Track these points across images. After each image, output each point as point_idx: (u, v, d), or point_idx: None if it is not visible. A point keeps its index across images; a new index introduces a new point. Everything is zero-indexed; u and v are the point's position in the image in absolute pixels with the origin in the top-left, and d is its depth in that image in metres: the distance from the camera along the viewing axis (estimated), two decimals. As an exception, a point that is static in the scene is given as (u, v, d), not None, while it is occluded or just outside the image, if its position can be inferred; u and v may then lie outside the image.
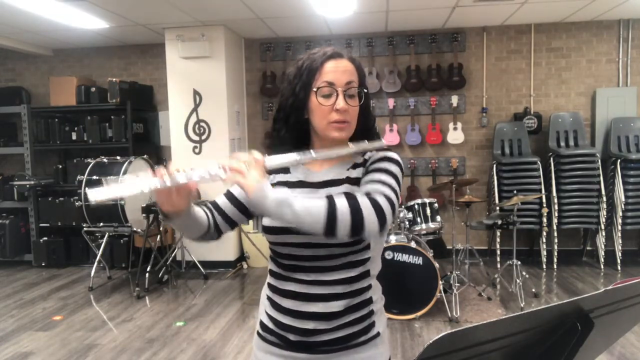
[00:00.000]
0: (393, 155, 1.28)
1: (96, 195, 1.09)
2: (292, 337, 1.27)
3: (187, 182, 1.14)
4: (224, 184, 1.18)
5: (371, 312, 1.30)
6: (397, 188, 1.20)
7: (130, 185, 1.11)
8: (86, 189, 1.07)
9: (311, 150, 1.20)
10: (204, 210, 1.32)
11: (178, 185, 1.14)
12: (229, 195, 1.36)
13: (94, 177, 4.94)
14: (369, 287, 1.30)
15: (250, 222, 2.94)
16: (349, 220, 1.08)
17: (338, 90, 1.23)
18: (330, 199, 1.11)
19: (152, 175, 1.13)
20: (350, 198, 1.11)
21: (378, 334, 1.31)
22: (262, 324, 1.35)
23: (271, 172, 1.32)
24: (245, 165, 1.13)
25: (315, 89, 1.23)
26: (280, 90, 1.32)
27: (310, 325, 1.24)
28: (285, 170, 1.33)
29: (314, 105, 1.25)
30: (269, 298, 1.33)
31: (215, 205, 1.36)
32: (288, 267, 1.28)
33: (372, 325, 1.30)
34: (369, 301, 1.30)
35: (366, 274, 1.29)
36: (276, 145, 1.31)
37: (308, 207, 1.09)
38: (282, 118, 1.30)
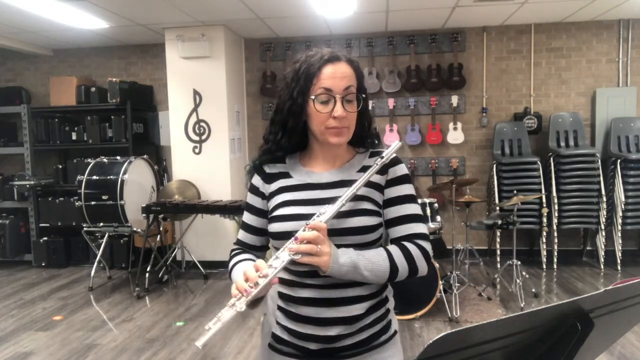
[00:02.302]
0: (405, 170, 1.32)
1: (203, 341, 1.10)
2: (313, 346, 1.23)
3: (272, 281, 1.13)
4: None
5: (387, 311, 1.31)
6: (421, 210, 1.32)
7: (227, 315, 1.10)
8: (195, 343, 1.11)
9: (352, 188, 1.21)
10: (250, 259, 1.32)
11: (267, 288, 1.14)
12: (247, 227, 1.36)
13: (94, 177, 4.94)
14: (385, 286, 1.31)
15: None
16: (406, 274, 1.23)
17: (336, 97, 1.22)
18: (391, 260, 1.20)
19: (239, 295, 1.12)
20: (406, 253, 1.22)
21: (395, 332, 1.32)
22: (274, 336, 1.30)
23: (271, 178, 1.32)
24: (314, 244, 1.13)
25: (313, 97, 1.22)
26: (278, 91, 1.30)
27: (333, 331, 1.21)
28: (285, 175, 1.32)
29: (311, 111, 1.24)
30: (281, 308, 1.28)
31: (245, 244, 1.37)
32: (302, 273, 1.23)
33: (390, 324, 1.31)
34: (385, 300, 1.31)
35: None
36: (273, 150, 1.31)
37: (375, 270, 1.19)
38: (279, 121, 1.29)
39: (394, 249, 1.24)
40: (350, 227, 1.22)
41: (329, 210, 1.18)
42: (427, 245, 1.27)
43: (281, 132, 1.29)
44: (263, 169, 1.34)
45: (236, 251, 1.37)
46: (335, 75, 1.22)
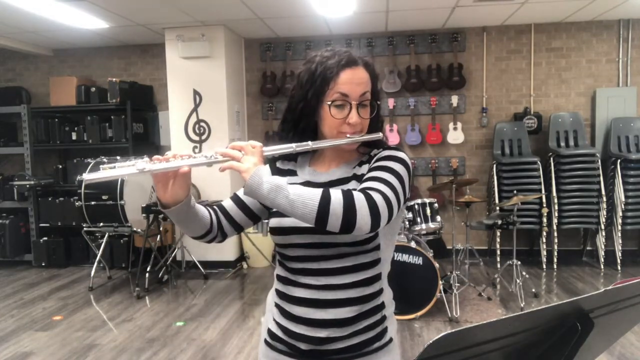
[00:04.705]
0: (399, 154, 1.24)
1: (91, 177, 1.09)
2: (303, 346, 1.23)
3: (182, 166, 1.13)
4: (221, 171, 1.18)
5: (383, 318, 1.27)
6: (398, 187, 1.15)
7: (124, 169, 1.12)
8: (83, 174, 1.10)
9: (309, 142, 1.20)
10: (208, 210, 1.30)
11: (173, 169, 1.14)
12: (235, 198, 1.34)
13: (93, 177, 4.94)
14: (381, 291, 1.27)
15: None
16: (340, 214, 1.06)
17: (352, 104, 1.20)
18: (325, 191, 1.08)
19: (148, 160, 1.13)
20: (346, 193, 1.08)
21: (391, 339, 1.28)
22: (270, 332, 1.31)
23: (280, 174, 1.32)
24: (242, 151, 1.14)
25: (329, 102, 1.20)
26: (291, 90, 1.29)
27: (323, 333, 1.21)
28: (292, 172, 1.32)
29: (325, 115, 1.22)
30: (277, 305, 1.29)
31: (221, 207, 1.34)
32: (296, 270, 1.24)
33: (385, 331, 1.27)
34: (381, 306, 1.27)
35: (377, 277, 1.25)
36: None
37: (303, 195, 1.07)
38: (291, 120, 1.28)
39: (336, 188, 1.13)
40: None
41: (279, 146, 1.19)
42: (376, 196, 1.09)
43: (293, 132, 1.28)
44: (275, 164, 1.35)
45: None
46: (352, 81, 1.20)
